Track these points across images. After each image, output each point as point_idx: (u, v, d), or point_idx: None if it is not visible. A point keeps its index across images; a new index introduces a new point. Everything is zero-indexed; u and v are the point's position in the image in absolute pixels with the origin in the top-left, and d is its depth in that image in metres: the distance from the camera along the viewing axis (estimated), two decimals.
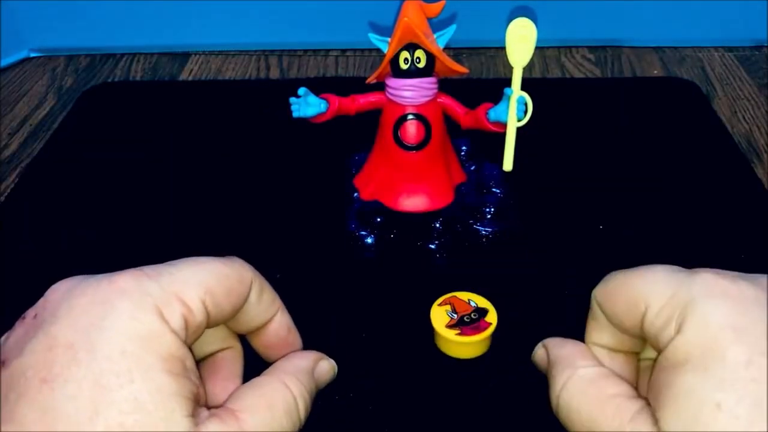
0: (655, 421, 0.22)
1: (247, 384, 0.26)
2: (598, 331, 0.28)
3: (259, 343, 0.29)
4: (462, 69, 0.38)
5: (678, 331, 0.22)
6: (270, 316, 0.28)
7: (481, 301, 0.34)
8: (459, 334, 0.33)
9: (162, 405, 0.21)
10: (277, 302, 0.28)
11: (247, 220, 0.43)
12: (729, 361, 0.21)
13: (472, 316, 0.34)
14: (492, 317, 0.34)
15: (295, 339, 0.30)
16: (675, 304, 0.23)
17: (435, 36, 0.37)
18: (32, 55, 0.65)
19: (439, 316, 0.34)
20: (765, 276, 0.24)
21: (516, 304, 0.36)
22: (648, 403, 0.23)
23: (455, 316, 0.34)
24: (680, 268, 0.25)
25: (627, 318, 0.25)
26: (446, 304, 0.34)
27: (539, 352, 0.30)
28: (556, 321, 0.33)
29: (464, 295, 0.35)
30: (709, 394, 0.21)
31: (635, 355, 0.28)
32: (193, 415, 0.22)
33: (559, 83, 0.58)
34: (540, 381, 0.32)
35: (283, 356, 0.29)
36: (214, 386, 0.27)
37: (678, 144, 0.49)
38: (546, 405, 0.31)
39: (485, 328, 0.33)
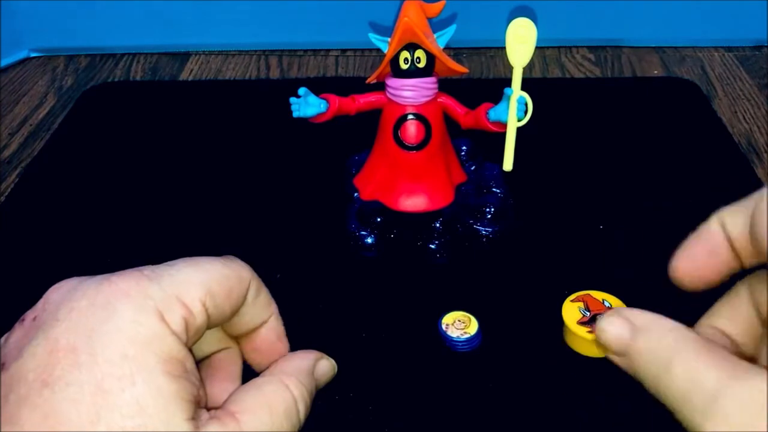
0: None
1: (247, 385, 0.26)
2: (730, 309, 0.23)
3: (248, 347, 0.28)
4: (462, 69, 0.38)
5: None
6: (263, 319, 0.28)
7: (615, 302, 0.34)
8: (590, 332, 0.32)
9: (163, 408, 0.21)
10: (272, 306, 0.28)
11: (247, 220, 0.43)
12: None
13: None
14: None
15: (284, 348, 0.29)
16: None
17: (435, 36, 0.37)
18: (32, 55, 0.65)
19: (571, 312, 0.33)
20: None
21: (516, 303, 0.36)
22: None
23: (588, 313, 0.33)
24: None
25: None
26: (579, 300, 0.34)
27: (615, 325, 0.21)
28: (555, 320, 0.34)
29: (598, 295, 0.35)
30: None
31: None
32: (194, 417, 0.22)
33: (559, 83, 0.58)
34: (539, 381, 0.32)
35: (282, 357, 0.29)
36: (213, 387, 0.27)
37: (678, 144, 0.49)
38: (548, 404, 0.31)
39: None
